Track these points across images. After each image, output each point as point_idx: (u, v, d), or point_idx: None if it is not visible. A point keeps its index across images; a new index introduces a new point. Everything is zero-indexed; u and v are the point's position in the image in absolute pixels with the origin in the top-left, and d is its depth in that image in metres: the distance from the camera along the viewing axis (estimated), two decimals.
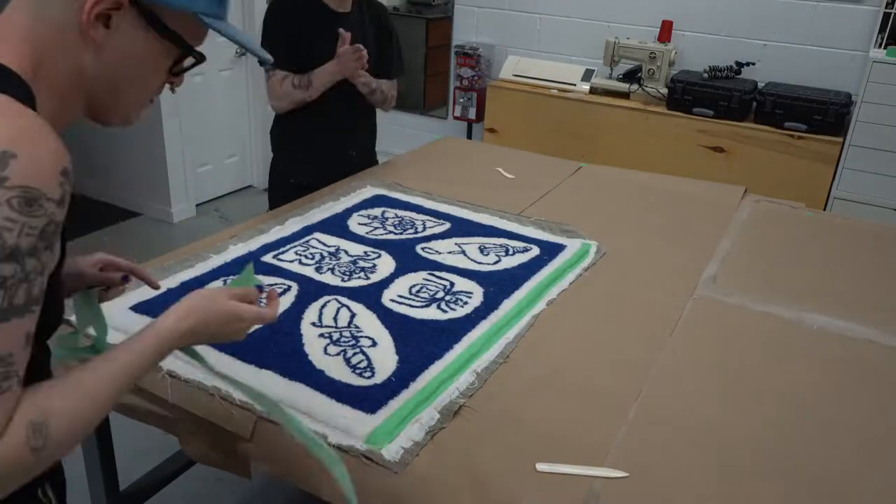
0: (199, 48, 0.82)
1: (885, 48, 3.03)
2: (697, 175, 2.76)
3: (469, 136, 4.07)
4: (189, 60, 0.83)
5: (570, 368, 1.34)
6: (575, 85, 3.59)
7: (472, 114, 3.97)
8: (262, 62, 0.92)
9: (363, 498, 1.00)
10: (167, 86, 0.85)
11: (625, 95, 3.45)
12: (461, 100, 3.97)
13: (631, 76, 3.48)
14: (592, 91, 3.53)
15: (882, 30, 3.07)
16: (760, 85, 3.27)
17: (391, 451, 1.09)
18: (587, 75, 3.60)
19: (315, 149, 2.19)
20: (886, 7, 3.05)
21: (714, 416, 1.24)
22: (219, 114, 4.04)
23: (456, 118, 4.05)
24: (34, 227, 0.62)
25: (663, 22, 3.44)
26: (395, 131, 4.24)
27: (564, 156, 2.88)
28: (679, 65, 3.48)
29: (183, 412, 1.21)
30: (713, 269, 1.79)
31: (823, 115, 3.02)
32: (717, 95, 3.17)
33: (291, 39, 2.03)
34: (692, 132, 3.24)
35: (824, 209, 3.08)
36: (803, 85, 3.26)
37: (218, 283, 1.53)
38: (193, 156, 3.88)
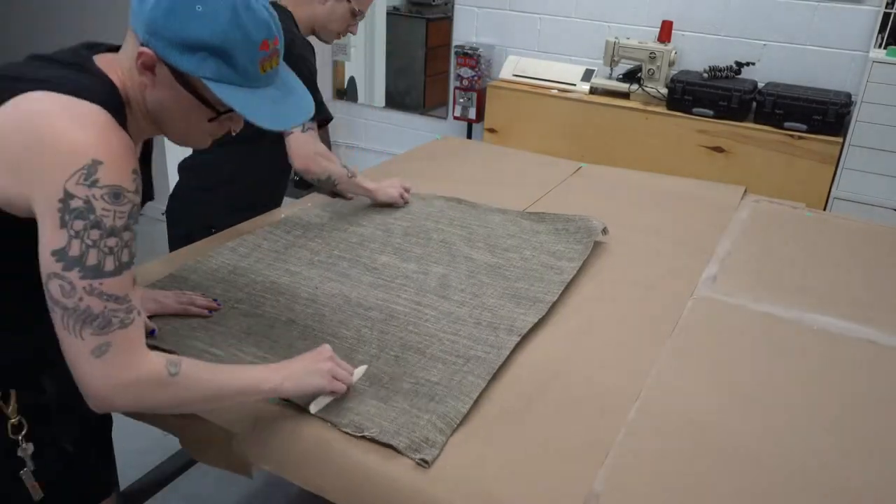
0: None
1: (885, 48, 3.03)
2: (697, 175, 2.76)
3: (469, 136, 4.06)
4: (231, 112, 0.99)
5: (569, 368, 1.34)
6: (575, 85, 3.58)
7: (472, 114, 3.97)
8: (272, 129, 1.00)
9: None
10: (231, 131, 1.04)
11: (625, 95, 3.44)
12: (461, 100, 3.97)
13: (631, 76, 3.47)
14: (592, 91, 3.53)
15: (882, 30, 3.07)
16: (760, 85, 3.27)
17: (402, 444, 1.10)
18: (587, 75, 3.59)
19: (252, 199, 1.96)
20: (886, 7, 3.05)
21: (714, 416, 1.24)
22: None
23: (456, 118, 4.04)
24: (123, 212, 0.87)
25: (663, 22, 3.44)
26: (395, 131, 4.24)
27: (564, 156, 2.88)
28: (679, 65, 3.48)
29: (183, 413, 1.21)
30: (713, 269, 1.79)
31: (823, 115, 3.01)
32: (717, 95, 3.17)
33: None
34: (692, 132, 3.24)
35: (824, 209, 3.07)
36: (803, 85, 3.25)
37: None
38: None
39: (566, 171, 2.46)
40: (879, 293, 1.72)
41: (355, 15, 1.86)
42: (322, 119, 1.79)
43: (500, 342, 1.37)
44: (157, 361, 0.94)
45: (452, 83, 4.07)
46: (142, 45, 0.91)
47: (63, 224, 0.84)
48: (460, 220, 1.94)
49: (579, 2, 3.67)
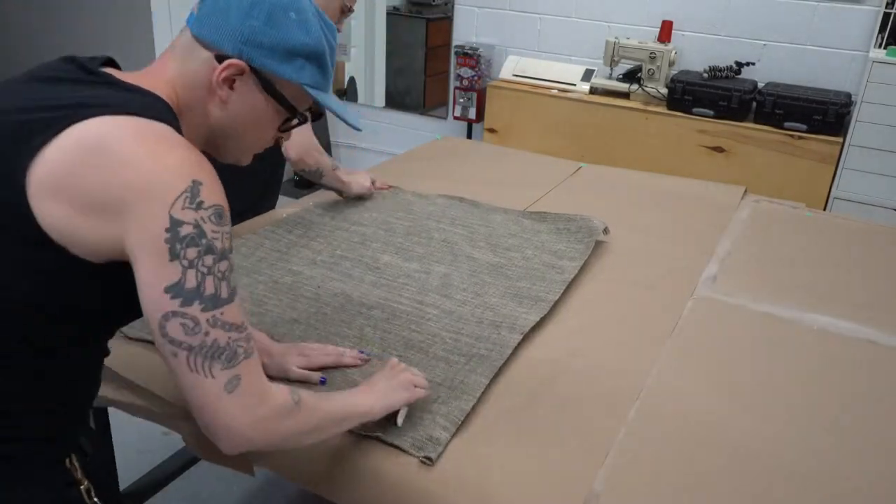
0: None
1: (885, 48, 3.03)
2: (697, 175, 2.76)
3: (469, 136, 4.06)
4: (295, 120, 0.99)
5: (569, 368, 1.34)
6: (575, 85, 3.58)
7: (472, 114, 3.97)
8: (355, 128, 1.04)
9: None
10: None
11: (625, 95, 3.45)
12: (461, 100, 3.97)
13: (631, 76, 3.48)
14: (592, 91, 3.53)
15: (882, 30, 3.07)
16: (760, 85, 3.27)
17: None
18: (587, 75, 3.60)
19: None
20: (886, 7, 3.05)
21: (714, 416, 1.24)
22: None
23: (456, 118, 4.04)
24: (227, 232, 0.82)
25: (663, 22, 3.44)
26: (395, 131, 4.24)
27: (564, 156, 2.88)
28: (679, 65, 3.48)
29: (185, 410, 1.21)
30: (713, 269, 1.79)
31: (823, 115, 3.01)
32: (717, 95, 3.17)
33: None
34: (692, 132, 3.24)
35: (824, 209, 3.07)
36: (803, 85, 3.26)
37: None
38: None
39: (566, 171, 2.46)
40: (879, 293, 1.72)
41: (344, 12, 1.84)
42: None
43: (503, 340, 1.38)
44: (282, 389, 0.90)
45: (452, 83, 4.07)
46: (228, 56, 0.88)
47: (174, 256, 0.77)
48: (462, 219, 1.94)
49: (579, 2, 3.67)
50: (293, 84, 0.93)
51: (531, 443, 1.14)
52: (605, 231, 1.88)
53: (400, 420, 1.11)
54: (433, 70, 4.26)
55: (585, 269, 1.72)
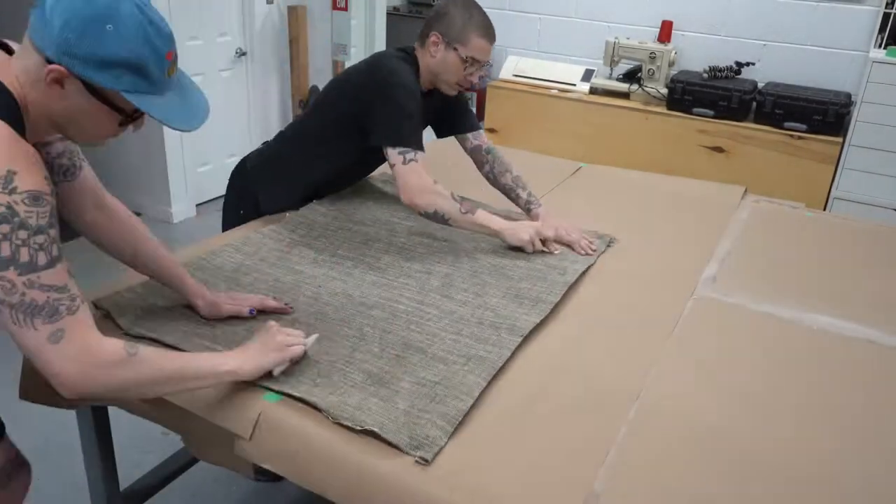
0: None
1: (885, 48, 3.03)
2: (697, 175, 2.77)
3: None
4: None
5: (570, 368, 1.34)
6: (575, 85, 3.59)
7: None
8: (183, 130, 1.09)
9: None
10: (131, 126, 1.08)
11: (625, 95, 3.45)
12: None
13: (631, 76, 3.48)
14: (592, 91, 3.54)
15: (882, 30, 3.08)
16: (760, 85, 3.28)
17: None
18: (587, 75, 3.60)
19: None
20: (886, 7, 3.05)
21: (714, 415, 1.24)
22: (219, 114, 4.04)
23: None
24: (44, 212, 0.94)
25: (663, 22, 3.45)
26: None
27: (564, 156, 2.88)
28: (679, 65, 3.48)
29: (185, 411, 1.21)
30: (713, 269, 1.79)
31: (823, 115, 3.02)
32: (717, 95, 3.18)
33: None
34: (692, 132, 3.24)
35: (824, 209, 3.08)
36: (803, 85, 3.26)
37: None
38: (193, 156, 3.88)
39: (566, 171, 2.46)
40: (879, 293, 1.72)
41: (467, 62, 1.76)
42: (419, 149, 1.72)
43: (502, 342, 1.38)
44: (115, 342, 1.01)
45: None
46: (50, 62, 0.96)
47: None
48: None
49: (579, 2, 3.67)
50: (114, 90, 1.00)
51: (531, 443, 1.14)
52: (610, 243, 1.88)
53: (276, 372, 1.20)
54: None
55: (585, 268, 1.72)
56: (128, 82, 0.98)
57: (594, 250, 1.81)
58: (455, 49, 1.75)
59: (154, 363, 1.04)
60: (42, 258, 0.93)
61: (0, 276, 0.91)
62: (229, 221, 1.94)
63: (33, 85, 0.99)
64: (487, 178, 2.02)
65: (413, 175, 1.69)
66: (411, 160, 1.69)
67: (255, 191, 1.90)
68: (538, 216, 1.90)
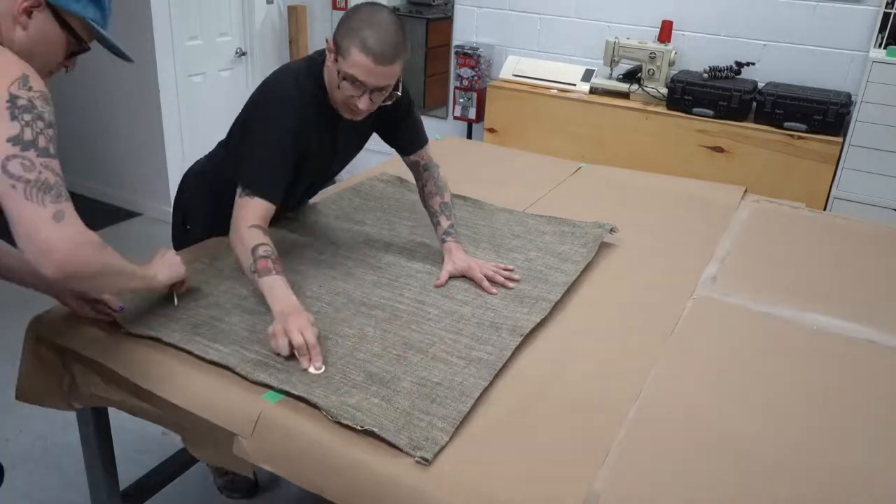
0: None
1: (885, 48, 3.03)
2: (697, 175, 2.76)
3: (469, 136, 4.06)
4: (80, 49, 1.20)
5: (569, 368, 1.34)
6: (575, 85, 3.58)
7: (472, 114, 3.97)
8: (128, 60, 1.25)
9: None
10: (63, 69, 1.22)
11: (625, 95, 3.44)
12: (461, 100, 3.97)
13: (631, 76, 3.48)
14: (592, 91, 3.53)
15: (882, 30, 3.07)
16: (760, 85, 3.27)
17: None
18: (587, 75, 3.60)
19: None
20: (886, 7, 3.05)
21: (714, 415, 1.24)
22: (219, 114, 4.03)
23: (456, 118, 4.04)
24: (52, 111, 1.08)
25: (663, 22, 3.44)
26: None
27: (564, 156, 2.88)
28: (679, 65, 3.48)
29: (185, 411, 1.21)
30: (713, 269, 1.79)
31: (823, 115, 3.01)
32: (717, 95, 3.17)
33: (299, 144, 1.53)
34: (692, 132, 3.24)
35: (824, 209, 3.07)
36: (803, 85, 3.26)
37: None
38: (193, 156, 3.86)
39: (566, 171, 2.46)
40: (879, 293, 1.72)
41: (346, 79, 1.44)
42: (266, 199, 1.47)
43: (503, 342, 1.38)
44: (92, 234, 1.11)
45: (452, 83, 4.07)
46: None
47: (14, 117, 1.02)
48: (465, 219, 1.94)
49: (579, 2, 3.67)
50: (79, 18, 1.15)
51: (531, 443, 1.14)
52: (612, 231, 1.88)
53: (176, 301, 1.41)
54: (433, 70, 4.26)
55: (585, 268, 1.72)
56: (91, 12, 1.16)
57: (517, 279, 1.63)
58: (337, 61, 1.45)
59: (115, 256, 1.16)
60: (52, 148, 1.05)
61: (23, 155, 1.02)
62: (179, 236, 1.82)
63: (3, 16, 1.11)
64: (420, 195, 1.80)
65: (242, 209, 1.44)
66: (251, 199, 1.45)
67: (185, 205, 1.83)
68: (448, 250, 1.66)
